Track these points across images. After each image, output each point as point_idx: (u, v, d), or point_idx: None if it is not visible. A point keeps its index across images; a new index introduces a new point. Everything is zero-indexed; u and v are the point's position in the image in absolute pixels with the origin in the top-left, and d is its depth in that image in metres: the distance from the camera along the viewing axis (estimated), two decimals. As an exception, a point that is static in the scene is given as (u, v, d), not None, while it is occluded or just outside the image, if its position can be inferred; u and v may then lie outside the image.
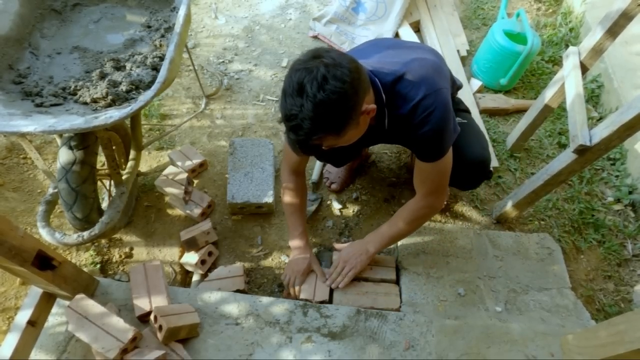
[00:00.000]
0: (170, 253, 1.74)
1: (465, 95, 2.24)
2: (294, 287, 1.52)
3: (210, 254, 1.70)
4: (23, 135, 1.31)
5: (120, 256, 1.73)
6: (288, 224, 1.60)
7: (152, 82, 1.46)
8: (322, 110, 0.97)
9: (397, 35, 2.53)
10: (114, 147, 1.55)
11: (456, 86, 1.55)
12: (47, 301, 1.30)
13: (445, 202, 1.37)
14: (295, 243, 1.58)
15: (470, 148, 1.40)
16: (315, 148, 1.08)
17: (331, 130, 1.03)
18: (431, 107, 1.13)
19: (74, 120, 1.21)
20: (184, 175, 1.79)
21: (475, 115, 2.16)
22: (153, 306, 1.29)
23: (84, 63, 1.55)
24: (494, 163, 1.98)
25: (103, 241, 1.76)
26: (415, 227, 1.47)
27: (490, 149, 2.02)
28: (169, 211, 1.85)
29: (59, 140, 1.45)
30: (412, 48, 1.36)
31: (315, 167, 1.97)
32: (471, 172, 1.44)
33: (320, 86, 0.95)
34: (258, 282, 1.70)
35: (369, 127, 1.16)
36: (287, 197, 1.55)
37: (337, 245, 1.61)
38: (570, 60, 1.59)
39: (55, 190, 1.49)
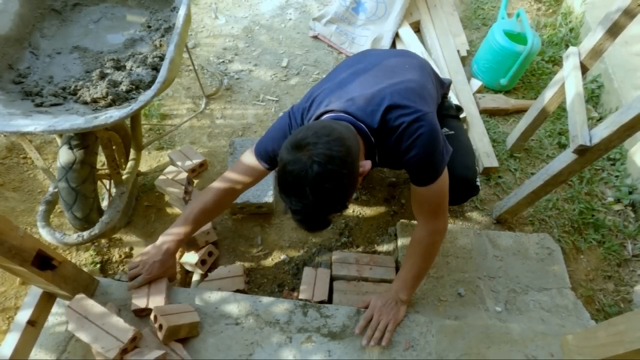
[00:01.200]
0: (170, 253, 1.74)
1: (465, 95, 2.24)
2: (135, 277, 1.33)
3: (210, 254, 1.69)
4: (23, 135, 1.31)
5: (120, 256, 1.73)
6: (178, 219, 1.41)
7: (152, 82, 1.46)
8: (325, 203, 1.01)
9: (397, 35, 2.53)
10: (114, 147, 1.55)
11: (445, 86, 1.54)
12: (47, 301, 1.30)
13: (447, 225, 1.34)
14: (165, 238, 1.38)
15: (455, 166, 1.36)
16: (330, 223, 1.11)
17: (337, 210, 1.07)
18: (416, 133, 1.13)
19: (74, 120, 1.21)
20: (184, 175, 1.79)
21: (475, 115, 2.16)
22: (151, 304, 1.29)
23: (84, 63, 1.55)
24: (494, 163, 1.98)
25: (103, 241, 1.76)
26: (433, 257, 1.37)
27: (490, 149, 2.02)
28: (169, 211, 1.85)
29: (59, 140, 1.45)
30: (393, 68, 1.32)
31: None
32: (456, 189, 1.40)
33: (319, 186, 0.97)
34: (258, 282, 1.70)
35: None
36: (200, 202, 1.38)
37: (361, 304, 1.40)
38: (570, 61, 1.60)
39: (55, 190, 1.49)
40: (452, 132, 1.49)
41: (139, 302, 1.29)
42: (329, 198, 1.00)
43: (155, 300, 1.31)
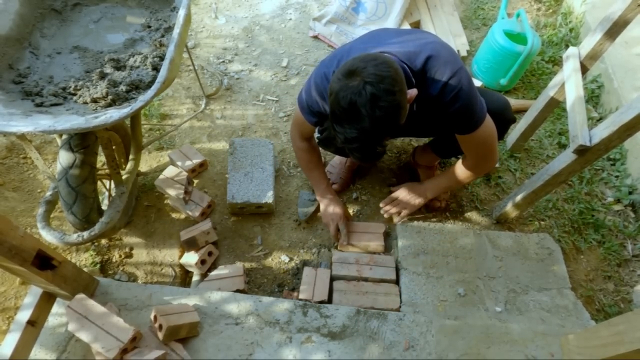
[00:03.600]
0: (170, 253, 1.74)
1: (465, 96, 2.24)
2: (340, 232, 1.67)
3: (210, 254, 1.70)
4: (23, 135, 1.31)
5: (120, 256, 1.73)
6: (311, 181, 1.75)
7: (152, 82, 1.46)
8: (381, 124, 1.03)
9: (397, 35, 2.53)
10: (114, 147, 1.55)
11: None
12: (47, 301, 1.30)
13: (497, 162, 1.53)
14: (323, 195, 1.71)
15: (489, 102, 1.42)
16: (383, 152, 1.14)
17: (390, 133, 1.08)
18: (459, 86, 1.19)
19: (74, 120, 1.21)
20: (184, 175, 1.79)
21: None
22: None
23: (84, 63, 1.55)
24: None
25: (103, 241, 1.76)
26: (467, 182, 1.59)
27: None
28: (169, 211, 1.85)
29: (59, 140, 1.45)
30: (421, 33, 1.40)
31: None
32: (496, 121, 1.44)
33: (374, 106, 1.00)
34: (258, 282, 1.70)
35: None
36: (305, 156, 1.66)
37: (393, 188, 1.75)
38: (571, 61, 1.59)
39: (55, 190, 1.49)
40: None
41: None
42: (385, 117, 1.01)
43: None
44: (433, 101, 1.24)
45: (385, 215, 1.68)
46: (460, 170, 1.53)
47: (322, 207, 1.73)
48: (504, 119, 1.50)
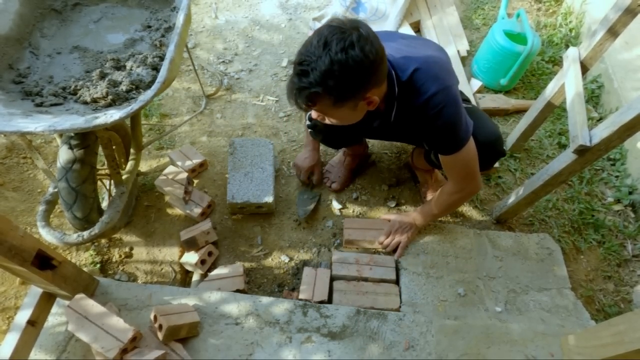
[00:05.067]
0: (170, 253, 1.74)
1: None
2: (312, 178, 1.84)
3: (210, 253, 1.70)
4: (23, 134, 1.31)
5: (120, 256, 1.73)
6: (305, 138, 1.82)
7: (152, 82, 1.46)
8: (335, 69, 0.99)
9: (397, 35, 2.53)
10: (114, 147, 1.55)
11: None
12: (47, 301, 1.30)
13: (480, 187, 1.46)
14: (307, 143, 1.81)
15: (481, 130, 1.42)
16: (306, 101, 1.10)
17: (332, 92, 1.04)
18: (442, 103, 1.18)
19: (74, 119, 1.21)
20: (184, 175, 1.79)
21: (476, 115, 2.16)
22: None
23: (84, 63, 1.55)
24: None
25: (103, 241, 1.76)
26: (453, 209, 1.64)
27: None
28: (169, 211, 1.85)
29: (59, 140, 1.45)
30: (423, 43, 1.40)
31: None
32: (485, 152, 1.44)
33: (345, 48, 0.98)
34: (258, 282, 1.70)
35: (374, 114, 1.22)
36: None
37: (384, 216, 1.76)
38: (571, 61, 1.59)
39: (55, 190, 1.49)
40: (469, 105, 1.54)
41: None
42: (341, 69, 0.99)
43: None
44: (416, 112, 1.22)
45: (388, 249, 1.65)
46: (444, 196, 1.51)
47: (301, 153, 1.85)
48: (495, 151, 1.47)
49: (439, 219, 1.76)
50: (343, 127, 1.26)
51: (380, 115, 1.29)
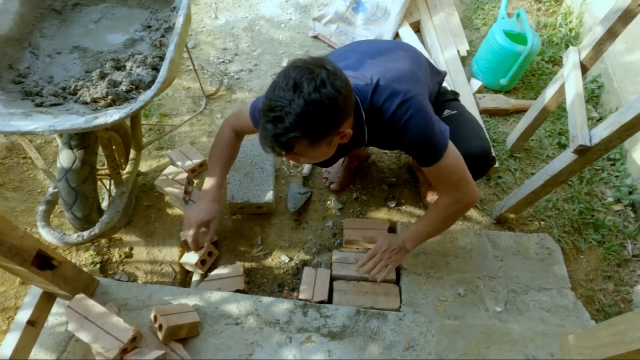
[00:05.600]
0: (170, 253, 1.74)
1: (465, 96, 2.24)
2: (188, 238, 1.38)
3: (210, 254, 1.70)
4: (23, 135, 1.31)
5: (120, 256, 1.73)
6: (209, 170, 1.45)
7: (152, 82, 1.46)
8: (310, 110, 0.96)
9: (397, 35, 2.53)
10: (114, 147, 1.55)
11: (441, 76, 1.55)
12: (47, 301, 1.30)
13: (476, 194, 1.32)
14: (205, 193, 1.42)
15: (467, 141, 1.37)
16: (284, 148, 1.05)
17: (309, 134, 1.01)
18: (407, 115, 1.14)
19: (74, 120, 1.21)
20: (184, 175, 1.79)
21: (476, 115, 2.16)
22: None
23: (84, 63, 1.55)
24: (494, 163, 1.98)
25: (103, 241, 1.76)
26: (449, 224, 1.41)
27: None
28: (169, 211, 1.85)
29: (59, 140, 1.45)
30: (387, 54, 1.34)
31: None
32: (474, 164, 1.41)
33: (317, 88, 0.96)
34: (258, 282, 1.70)
35: (351, 140, 1.17)
36: (222, 144, 1.45)
37: (370, 237, 1.58)
38: (570, 61, 1.59)
39: (55, 190, 1.49)
40: (455, 111, 1.49)
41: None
42: (316, 109, 0.96)
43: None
44: (384, 130, 1.19)
45: (370, 275, 1.43)
46: (438, 210, 1.35)
47: (200, 203, 1.43)
48: (484, 164, 1.45)
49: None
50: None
51: (353, 140, 1.22)
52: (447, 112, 1.48)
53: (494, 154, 1.50)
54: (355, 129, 1.19)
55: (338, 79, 0.99)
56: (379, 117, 1.17)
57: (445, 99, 1.55)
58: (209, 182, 1.43)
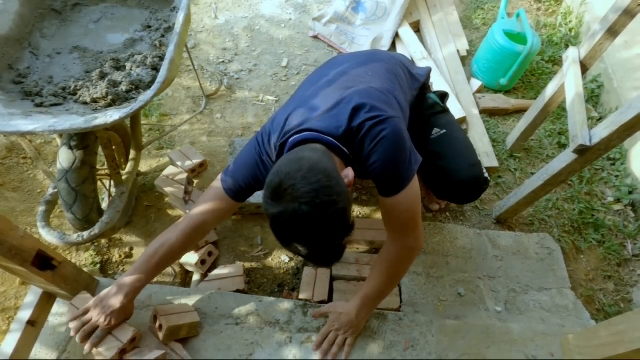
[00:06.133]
0: (170, 253, 1.74)
1: (465, 95, 2.24)
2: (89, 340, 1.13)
3: (210, 254, 1.69)
4: (23, 135, 1.31)
5: (120, 256, 1.73)
6: (139, 261, 1.19)
7: (152, 82, 1.46)
8: (330, 234, 0.93)
9: (397, 35, 2.53)
10: (114, 147, 1.55)
11: (421, 79, 1.45)
12: (47, 301, 1.30)
13: (421, 243, 1.21)
14: (121, 279, 1.17)
15: (457, 169, 1.32)
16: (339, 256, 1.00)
17: (345, 233, 0.96)
18: (379, 137, 1.05)
19: (74, 120, 1.21)
20: (184, 175, 1.79)
21: (475, 115, 2.16)
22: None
23: (84, 63, 1.55)
24: (494, 163, 1.98)
25: (103, 241, 1.76)
26: (399, 277, 1.30)
27: (490, 149, 2.02)
28: (169, 211, 1.85)
29: (59, 140, 1.45)
30: (356, 77, 1.23)
31: None
32: (465, 192, 1.39)
33: (318, 224, 0.89)
34: (258, 282, 1.70)
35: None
36: (166, 243, 1.21)
37: (316, 312, 1.34)
38: (570, 60, 1.60)
39: (55, 190, 1.49)
40: (444, 130, 1.42)
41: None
42: (332, 228, 0.92)
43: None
44: (356, 149, 1.09)
45: (330, 358, 1.25)
46: (383, 264, 1.23)
47: (105, 292, 1.17)
48: (475, 191, 1.41)
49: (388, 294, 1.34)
50: None
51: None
52: (435, 132, 1.41)
53: (486, 176, 1.44)
54: (347, 163, 1.10)
55: (317, 196, 0.88)
56: (353, 138, 1.08)
57: (432, 113, 1.47)
58: (132, 269, 1.18)
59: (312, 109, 1.13)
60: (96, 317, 1.13)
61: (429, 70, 1.52)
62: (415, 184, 1.13)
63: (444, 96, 1.57)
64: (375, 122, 1.05)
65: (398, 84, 1.29)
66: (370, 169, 1.08)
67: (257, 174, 1.21)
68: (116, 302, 1.14)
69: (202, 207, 1.23)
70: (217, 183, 1.24)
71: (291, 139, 1.09)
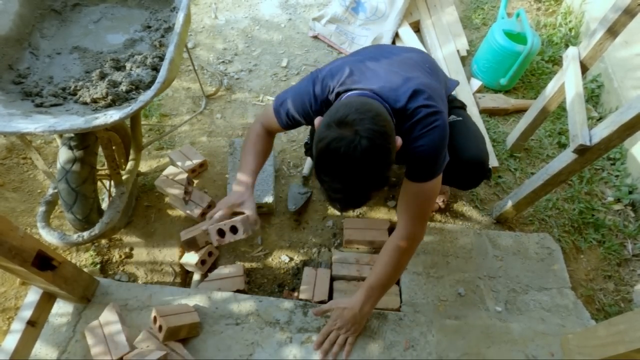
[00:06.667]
0: (170, 253, 1.74)
1: (465, 95, 2.24)
2: (212, 216, 1.27)
3: (210, 254, 1.70)
4: (23, 135, 1.31)
5: (120, 256, 1.73)
6: (241, 162, 1.37)
7: (152, 82, 1.46)
8: (371, 180, 0.98)
9: (397, 35, 2.53)
10: (114, 147, 1.55)
11: (450, 90, 1.54)
12: (47, 301, 1.30)
13: (423, 237, 1.30)
14: (238, 182, 1.32)
15: (467, 148, 1.38)
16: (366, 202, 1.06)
17: (382, 185, 1.03)
18: (432, 125, 1.13)
19: (74, 120, 1.21)
20: (184, 176, 1.79)
21: (475, 115, 2.16)
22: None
23: (84, 63, 1.55)
24: (494, 163, 1.98)
25: (103, 241, 1.76)
26: (404, 267, 1.33)
27: (490, 149, 2.02)
28: (169, 211, 1.85)
29: (59, 141, 1.45)
30: (415, 64, 1.31)
31: (307, 161, 1.98)
32: (469, 172, 1.43)
33: (367, 162, 0.94)
34: (258, 282, 1.70)
35: None
36: (252, 140, 1.37)
37: (317, 310, 1.33)
38: (570, 60, 1.59)
39: (55, 191, 1.49)
40: (460, 118, 1.49)
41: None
42: (376, 173, 0.97)
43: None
44: (404, 135, 1.13)
45: (330, 358, 1.27)
46: (388, 253, 1.26)
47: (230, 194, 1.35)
48: (478, 174, 1.44)
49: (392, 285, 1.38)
50: None
51: None
52: (452, 118, 1.48)
53: (490, 167, 1.49)
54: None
55: (378, 137, 0.95)
56: (407, 119, 1.15)
57: (452, 106, 1.54)
58: (240, 172, 1.35)
59: (375, 76, 1.19)
60: (216, 209, 1.27)
61: (457, 83, 1.60)
62: (440, 179, 1.21)
63: (463, 104, 1.62)
64: (430, 111, 1.12)
65: (442, 86, 1.37)
66: (414, 150, 1.15)
67: (308, 109, 1.25)
68: (236, 198, 1.28)
69: (264, 120, 1.37)
70: (269, 107, 1.34)
71: (352, 92, 1.14)
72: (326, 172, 0.98)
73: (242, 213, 1.25)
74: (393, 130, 1.02)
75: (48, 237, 1.37)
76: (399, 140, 1.06)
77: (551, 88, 1.74)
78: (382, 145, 0.95)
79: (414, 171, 1.20)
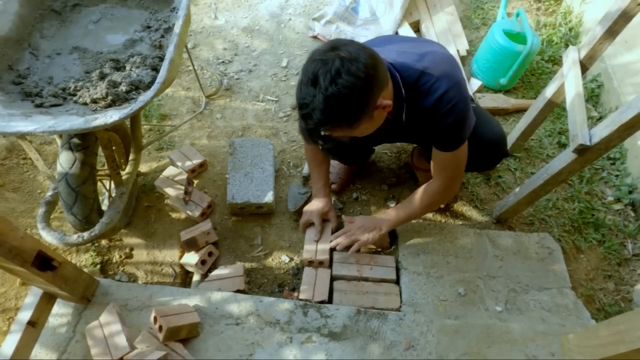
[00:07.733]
0: (170, 253, 1.74)
1: (465, 95, 2.24)
2: (309, 226, 1.64)
3: (210, 254, 1.70)
4: (23, 135, 1.31)
5: (120, 257, 1.73)
6: (312, 176, 1.70)
7: (151, 83, 1.46)
8: (332, 103, 0.99)
9: (396, 35, 2.53)
10: (113, 148, 1.55)
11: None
12: (47, 302, 1.31)
13: (458, 190, 1.48)
14: (315, 195, 1.67)
15: (486, 126, 1.43)
16: (326, 138, 1.09)
17: (342, 122, 1.05)
18: (454, 100, 1.17)
19: (74, 120, 1.21)
20: (184, 176, 1.79)
21: (475, 115, 2.16)
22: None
23: (84, 63, 1.55)
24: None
25: (103, 242, 1.76)
26: (429, 210, 1.53)
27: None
28: (169, 212, 1.85)
29: (58, 141, 1.45)
30: (425, 42, 1.39)
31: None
32: (489, 152, 1.47)
33: (332, 80, 0.97)
34: (258, 282, 1.70)
35: (385, 121, 1.18)
36: (309, 154, 1.66)
37: (347, 218, 1.64)
38: (570, 60, 1.59)
39: (55, 191, 1.49)
40: (474, 104, 1.51)
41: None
42: (337, 101, 0.99)
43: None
44: (426, 113, 1.21)
45: (338, 248, 1.57)
46: (423, 196, 1.45)
47: (313, 204, 1.68)
48: (499, 151, 1.48)
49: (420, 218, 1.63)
50: (356, 140, 1.23)
51: (390, 120, 1.25)
52: None
53: (507, 147, 1.56)
54: (393, 106, 1.18)
55: (353, 62, 0.98)
56: (425, 97, 1.18)
57: None
58: (315, 186, 1.68)
59: (389, 49, 1.24)
60: (305, 218, 1.68)
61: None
62: (466, 144, 1.30)
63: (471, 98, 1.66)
64: (447, 87, 1.16)
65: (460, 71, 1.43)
66: (444, 128, 1.22)
67: None
68: (320, 205, 1.65)
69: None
70: None
71: None
72: (302, 82, 1.03)
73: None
74: (380, 76, 1.05)
75: (48, 237, 1.37)
76: (388, 102, 1.08)
77: (551, 88, 1.74)
78: (355, 72, 0.97)
79: (445, 143, 1.29)
